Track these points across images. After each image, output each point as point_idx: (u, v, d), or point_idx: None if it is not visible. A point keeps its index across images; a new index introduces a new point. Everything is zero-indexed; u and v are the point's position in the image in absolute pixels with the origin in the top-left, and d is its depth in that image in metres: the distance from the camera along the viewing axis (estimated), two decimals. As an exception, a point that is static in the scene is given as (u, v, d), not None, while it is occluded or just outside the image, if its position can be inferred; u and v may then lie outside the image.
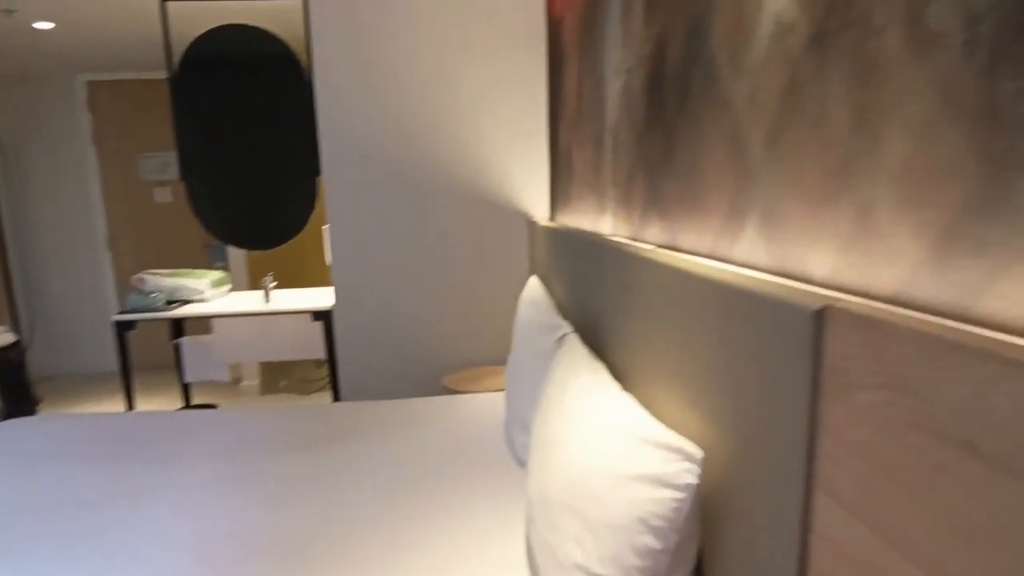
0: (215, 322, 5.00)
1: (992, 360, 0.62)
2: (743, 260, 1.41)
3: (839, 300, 0.92)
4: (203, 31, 4.28)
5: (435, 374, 4.26)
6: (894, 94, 0.92)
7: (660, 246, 1.96)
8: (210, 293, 4.99)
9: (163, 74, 6.86)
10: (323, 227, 5.22)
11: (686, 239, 1.75)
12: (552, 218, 4.03)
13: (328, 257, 4.34)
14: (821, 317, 0.91)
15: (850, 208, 1.03)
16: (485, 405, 3.23)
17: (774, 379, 1.02)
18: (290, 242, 4.65)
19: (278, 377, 6.78)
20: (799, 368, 0.95)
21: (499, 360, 4.28)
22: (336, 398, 4.45)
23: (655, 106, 1.94)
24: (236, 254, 6.54)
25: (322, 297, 4.94)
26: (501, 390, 3.64)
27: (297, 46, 4.74)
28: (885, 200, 0.94)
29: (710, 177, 1.56)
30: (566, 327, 2.44)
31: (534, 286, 3.05)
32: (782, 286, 1.06)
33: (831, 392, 0.90)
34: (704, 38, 1.56)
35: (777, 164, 1.24)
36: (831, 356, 0.90)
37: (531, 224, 4.03)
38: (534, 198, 4.09)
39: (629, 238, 2.30)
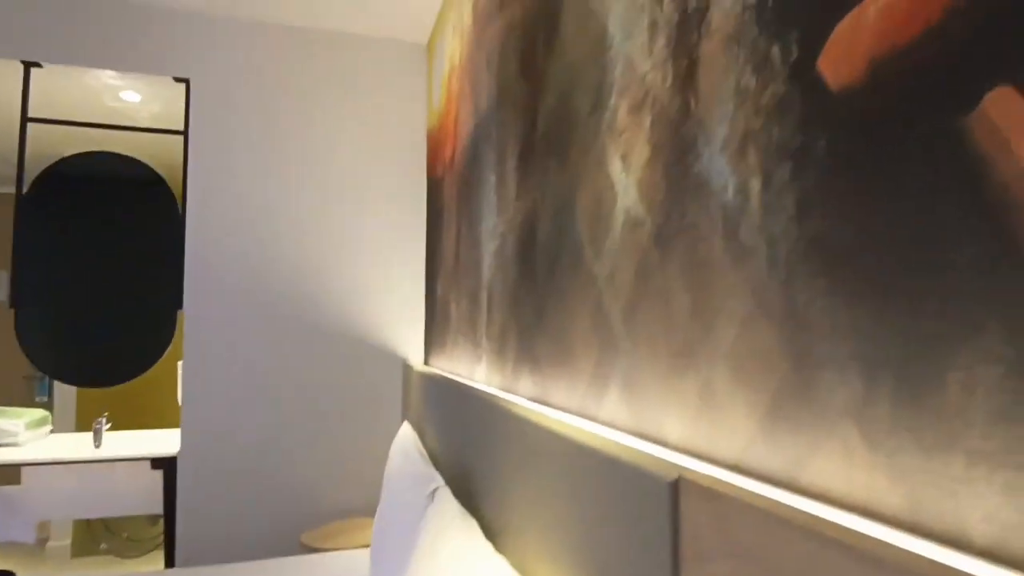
0: (26, 470, 4.28)
1: (815, 537, 0.72)
2: (608, 419, 1.52)
3: (689, 471, 1.02)
4: (69, 154, 4.10)
5: (293, 529, 3.88)
6: (721, 291, 1.10)
7: (531, 399, 2.04)
8: (25, 436, 4.31)
9: (10, 189, 6.33)
10: (178, 363, 4.82)
11: (556, 395, 1.85)
12: (427, 362, 4.04)
13: (180, 395, 3.98)
14: (676, 488, 0.99)
15: (695, 383, 1.17)
16: (347, 566, 2.96)
17: (639, 545, 1.07)
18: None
19: (99, 536, 5.79)
20: (660, 536, 1.01)
21: (367, 511, 4.01)
22: (170, 562, 3.86)
23: (527, 272, 2.12)
24: (64, 388, 5.78)
25: (166, 441, 4.44)
26: (367, 546, 3.37)
27: (173, 175, 4.65)
28: (722, 380, 1.09)
29: (577, 341, 1.70)
30: (439, 479, 2.39)
31: (406, 434, 2.98)
32: (642, 453, 1.15)
33: (690, 560, 0.96)
34: (570, 218, 1.77)
35: (634, 338, 1.40)
36: (687, 524, 0.97)
37: (406, 368, 4.01)
38: (410, 342, 4.12)
39: (502, 389, 2.37)
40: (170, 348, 4.16)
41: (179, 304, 4.17)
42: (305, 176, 3.95)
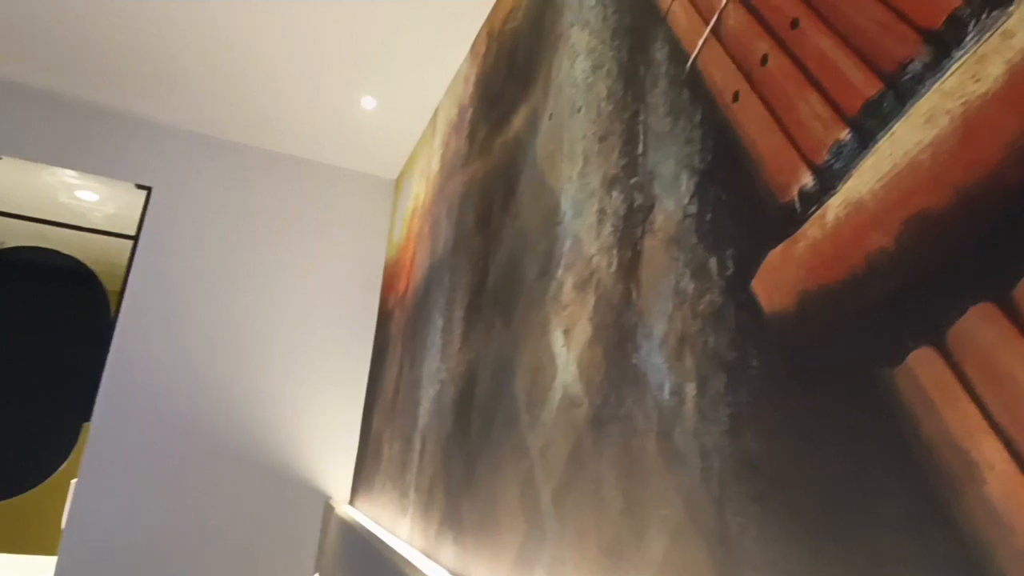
0: None
1: None
2: (529, 615, 1.37)
3: None
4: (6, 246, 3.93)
5: None
6: (654, 494, 1.04)
7: (452, 573, 1.86)
8: None
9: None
10: (71, 481, 4.34)
11: (477, 572, 1.69)
12: (353, 502, 3.75)
13: (65, 519, 3.53)
14: None
15: (621, 593, 1.07)
16: None
17: None
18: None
19: None
20: None
21: (254, 677, 3.48)
22: None
23: (463, 426, 2.02)
24: (-65, 496, 5.09)
25: (36, 571, 3.88)
26: None
27: (113, 279, 4.49)
28: (649, 596, 1.00)
29: (504, 514, 1.58)
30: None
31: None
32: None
33: None
34: (510, 379, 1.73)
35: (563, 522, 1.30)
36: None
37: (328, 508, 3.70)
38: (338, 477, 3.84)
39: (424, 551, 2.18)
40: (65, 464, 3.76)
41: (86, 416, 3.83)
42: (254, 295, 3.86)
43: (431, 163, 3.30)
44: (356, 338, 4.05)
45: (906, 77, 0.73)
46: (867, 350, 0.71)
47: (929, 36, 0.71)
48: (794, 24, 0.92)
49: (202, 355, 3.70)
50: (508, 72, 2.23)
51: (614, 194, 1.34)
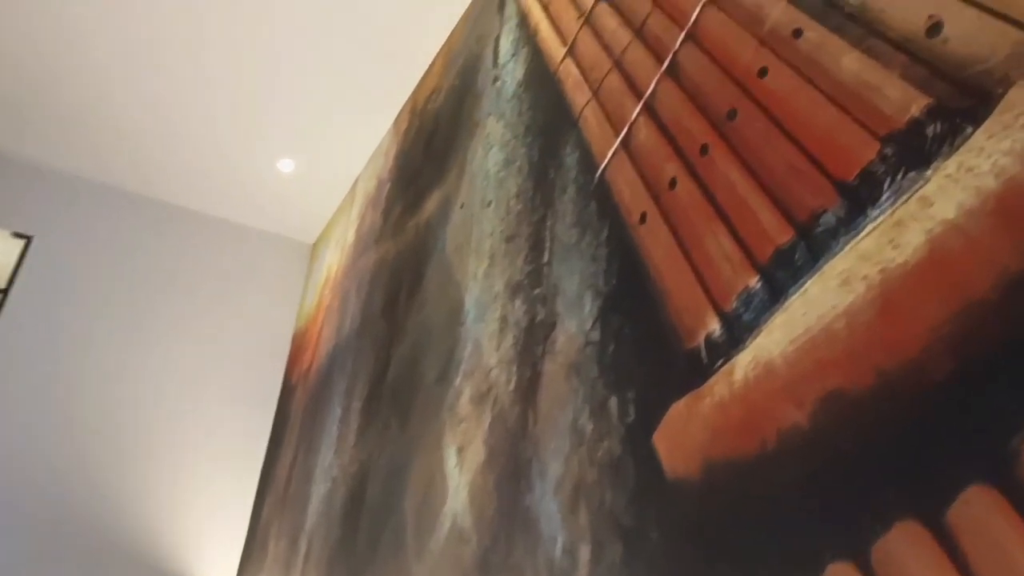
0: None
1: None
2: None
3: None
4: None
5: None
6: (539, 676, 0.87)
7: None
8: None
9: None
10: None
11: None
12: (231, 603, 3.32)
13: None
14: None
15: None
16: None
17: None
18: None
19: None
20: None
21: None
22: None
23: (350, 535, 1.79)
24: None
25: None
26: None
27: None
28: None
29: (381, 661, 1.36)
30: None
31: None
32: None
33: None
34: (400, 491, 1.53)
35: None
36: None
37: (200, 609, 3.25)
38: (221, 571, 3.40)
39: None
40: None
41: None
42: (140, 361, 3.48)
43: (347, 234, 3.14)
44: (255, 413, 3.70)
45: (819, 229, 0.65)
46: (780, 549, 0.59)
47: (843, 188, 0.65)
48: (703, 150, 0.85)
49: (68, 422, 3.26)
50: (426, 152, 2.14)
51: (517, 303, 1.22)
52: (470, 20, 2.15)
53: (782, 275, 0.68)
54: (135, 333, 3.58)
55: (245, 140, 3.13)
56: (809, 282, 0.65)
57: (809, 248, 0.66)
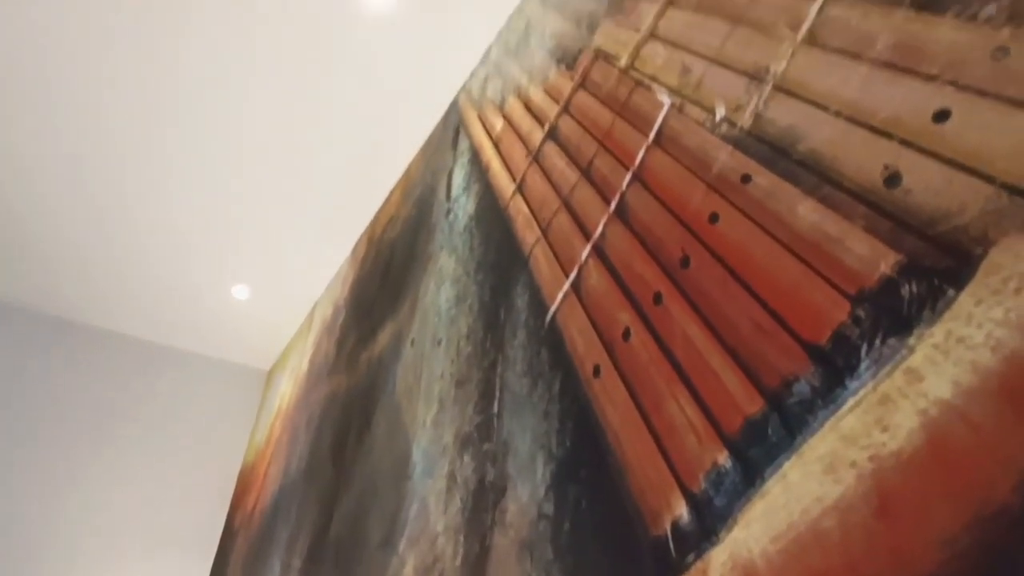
0: None
1: None
2: None
3: None
4: None
5: None
6: None
7: None
8: None
9: None
10: None
11: None
12: None
13: None
14: None
15: None
16: None
17: None
18: None
19: None
20: None
21: None
22: None
23: None
24: None
25: None
26: None
27: None
28: None
29: None
30: None
31: None
32: None
33: None
34: None
35: None
36: None
37: None
38: None
39: None
40: None
41: None
42: (64, 500, 3.13)
43: (302, 363, 2.99)
44: (192, 561, 3.31)
45: (792, 399, 0.56)
46: None
47: (815, 352, 0.56)
48: (657, 299, 0.77)
49: (-30, 592, 2.85)
50: (382, 283, 2.07)
51: (466, 458, 1.09)
52: (427, 152, 2.17)
53: (756, 452, 0.57)
54: (63, 469, 3.26)
55: (199, 267, 3.04)
56: (787, 464, 0.54)
57: (784, 422, 0.56)
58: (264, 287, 3.16)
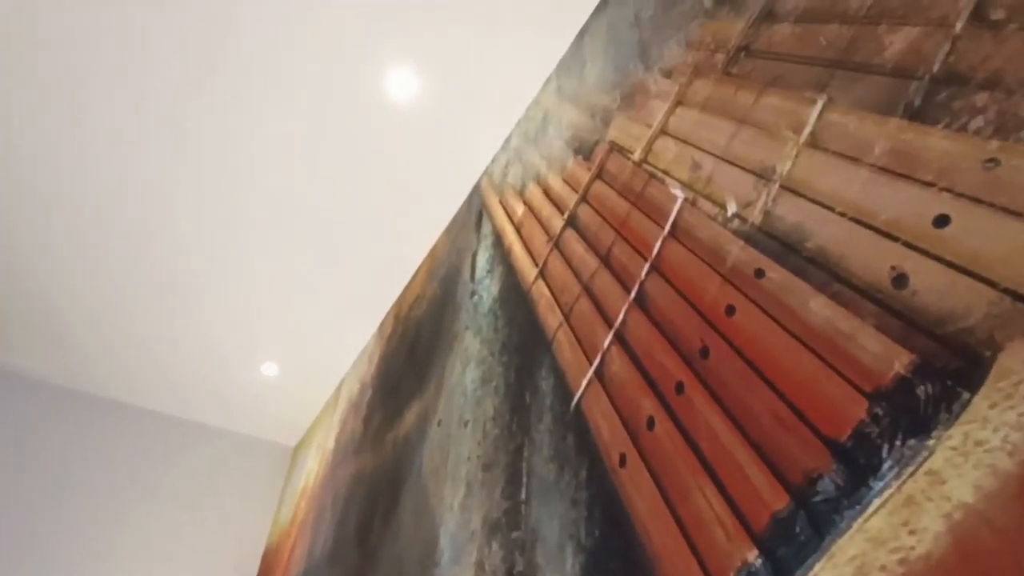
0: None
1: None
2: None
3: None
4: None
5: None
6: None
7: None
8: None
9: None
10: None
11: None
12: None
13: None
14: None
15: None
16: None
17: None
18: None
19: None
20: None
21: None
22: None
23: None
24: None
25: None
26: None
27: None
28: None
29: None
30: None
31: None
32: None
33: None
34: None
35: None
36: None
37: None
38: None
39: None
40: None
41: None
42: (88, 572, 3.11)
43: (328, 440, 3.00)
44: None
45: (818, 498, 0.57)
46: None
47: (837, 449, 0.57)
48: (679, 388, 0.79)
49: None
50: (408, 361, 2.10)
51: (494, 545, 1.08)
52: (452, 232, 2.25)
53: (785, 552, 0.58)
54: (86, 546, 3.25)
55: (229, 346, 3.12)
56: (818, 566, 0.54)
57: (811, 521, 0.57)
58: (292, 364, 3.22)
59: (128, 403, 3.68)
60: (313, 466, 3.13)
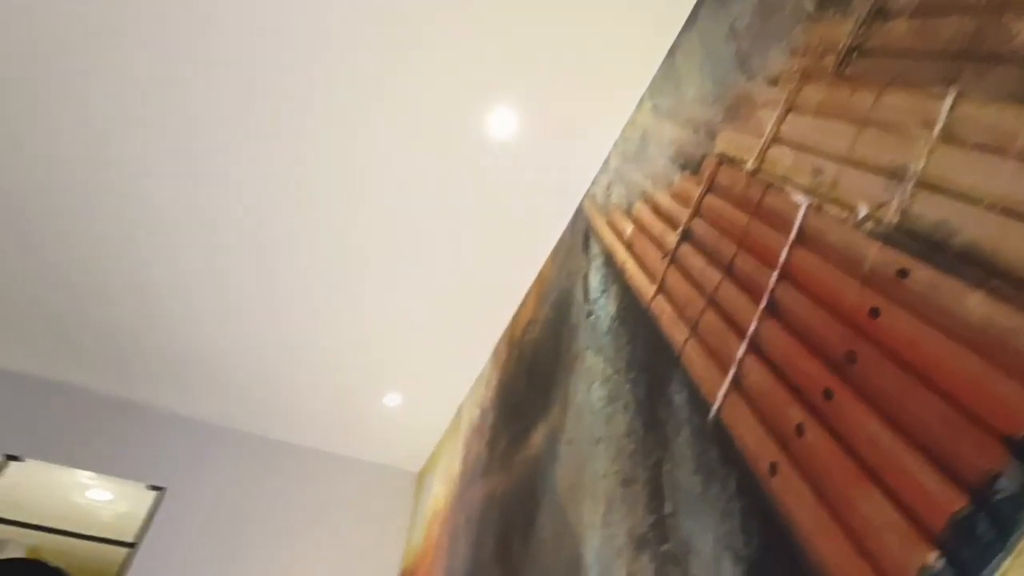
0: None
1: None
2: None
3: None
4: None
5: None
6: None
7: None
8: None
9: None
10: None
11: None
12: None
13: None
14: None
15: None
16: None
17: None
18: None
19: None
20: None
21: None
22: None
23: None
24: None
25: None
26: None
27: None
28: None
29: None
30: None
31: None
32: None
33: None
34: None
35: None
36: None
37: None
38: None
39: None
40: None
41: None
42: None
43: (453, 464, 3.12)
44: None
45: (998, 496, 0.56)
46: None
47: (1014, 446, 0.57)
48: (828, 394, 0.79)
49: None
50: (528, 383, 2.17)
51: (644, 559, 1.11)
52: (558, 257, 2.32)
53: (967, 553, 0.57)
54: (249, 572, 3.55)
55: (354, 381, 3.34)
56: (1005, 564, 0.54)
57: (992, 520, 0.56)
58: (413, 394, 3.40)
59: (258, 435, 4.02)
60: (440, 490, 3.26)
